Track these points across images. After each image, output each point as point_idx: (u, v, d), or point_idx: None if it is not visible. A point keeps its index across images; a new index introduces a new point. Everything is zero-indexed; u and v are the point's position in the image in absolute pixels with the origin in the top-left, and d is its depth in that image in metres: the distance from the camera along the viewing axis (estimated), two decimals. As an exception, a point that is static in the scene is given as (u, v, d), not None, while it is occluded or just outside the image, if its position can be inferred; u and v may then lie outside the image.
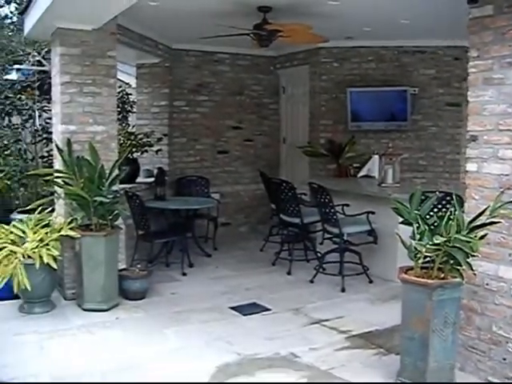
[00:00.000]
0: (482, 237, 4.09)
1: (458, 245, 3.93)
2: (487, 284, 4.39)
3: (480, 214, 4.10)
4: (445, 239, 3.96)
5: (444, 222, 4.11)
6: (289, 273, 7.41)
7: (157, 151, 8.82)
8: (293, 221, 7.69)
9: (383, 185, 7.72)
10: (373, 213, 6.85)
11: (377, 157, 8.47)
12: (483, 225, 4.07)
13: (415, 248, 4.13)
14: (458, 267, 4.02)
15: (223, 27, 6.73)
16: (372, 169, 8.84)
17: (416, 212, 4.27)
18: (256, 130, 10.59)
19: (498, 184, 4.35)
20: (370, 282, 6.98)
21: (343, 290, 6.68)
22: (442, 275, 4.13)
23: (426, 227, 4.15)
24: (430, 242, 4.01)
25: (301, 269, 7.55)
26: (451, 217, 4.13)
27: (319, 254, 7.55)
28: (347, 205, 7.20)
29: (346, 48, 9.41)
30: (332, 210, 6.87)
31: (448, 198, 5.89)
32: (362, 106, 9.33)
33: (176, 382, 4.35)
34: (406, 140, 9.45)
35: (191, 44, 9.51)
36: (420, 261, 4.14)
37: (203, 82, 9.98)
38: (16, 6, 16.13)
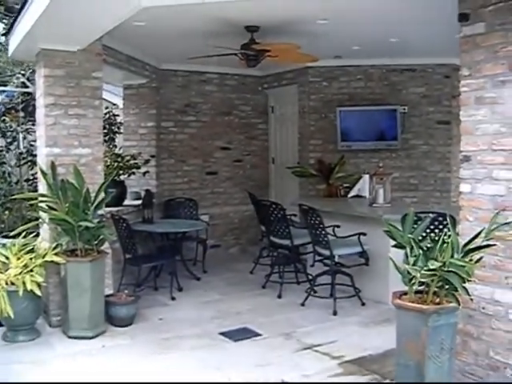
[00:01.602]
0: (478, 260, 3.99)
1: (453, 269, 3.82)
2: (483, 308, 4.29)
3: (475, 237, 4.00)
4: (440, 264, 3.84)
5: (438, 246, 4.01)
6: (279, 296, 7.28)
7: (144, 173, 8.71)
8: (283, 243, 7.57)
9: (374, 205, 7.63)
10: (364, 234, 6.73)
11: (367, 176, 8.40)
12: (479, 248, 3.97)
13: (409, 273, 4.01)
14: (454, 292, 3.91)
15: (211, 47, 6.65)
16: (362, 189, 8.76)
17: (409, 236, 4.16)
18: (245, 151, 10.54)
19: (492, 205, 4.26)
20: (363, 304, 6.85)
21: (335, 313, 6.55)
22: (438, 300, 4.02)
23: (420, 251, 4.04)
24: (425, 268, 3.89)
25: (292, 291, 7.42)
26: (445, 239, 4.03)
27: (310, 277, 7.42)
28: (338, 226, 7.09)
29: (335, 67, 9.37)
30: (323, 232, 6.75)
31: (440, 219, 5.78)
32: (351, 126, 9.28)
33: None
34: (397, 159, 9.39)
35: (178, 64, 9.46)
36: (415, 286, 4.02)
37: (191, 103, 9.93)
38: (3, 26, 16.06)
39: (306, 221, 7.08)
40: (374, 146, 9.31)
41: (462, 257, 3.93)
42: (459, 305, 3.92)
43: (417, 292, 4.11)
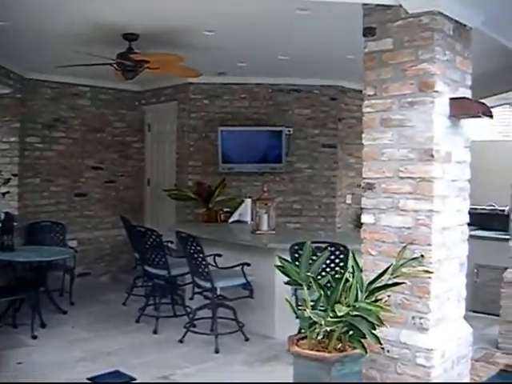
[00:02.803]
0: (386, 300, 3.59)
1: (361, 314, 3.36)
2: (388, 351, 3.93)
3: (382, 274, 3.59)
4: (347, 309, 3.37)
5: (341, 285, 3.55)
6: (155, 331, 6.61)
7: (4, 193, 7.82)
8: (159, 273, 6.93)
9: (258, 232, 7.21)
10: (248, 264, 6.25)
11: (249, 200, 8.06)
12: (386, 286, 3.56)
13: (310, 317, 3.51)
14: (361, 338, 3.46)
15: (83, 55, 5.97)
16: (244, 213, 8.38)
17: (308, 274, 3.68)
18: (118, 171, 9.89)
19: (398, 238, 3.92)
20: (246, 339, 6.33)
21: (217, 351, 5.98)
22: (340, 345, 3.56)
23: (322, 292, 3.56)
24: (331, 314, 3.40)
25: (169, 326, 6.77)
26: (348, 277, 3.60)
27: (189, 310, 6.83)
28: (219, 255, 6.59)
29: (218, 84, 8.93)
30: (203, 262, 6.19)
31: (333, 249, 5.36)
32: (233, 147, 8.84)
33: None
34: (281, 183, 9.03)
35: (48, 74, 8.67)
36: (319, 336, 3.53)
37: (60, 117, 9.16)
38: None
39: (184, 249, 6.50)
40: (257, 168, 8.90)
41: (367, 296, 3.51)
42: (366, 352, 3.48)
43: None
